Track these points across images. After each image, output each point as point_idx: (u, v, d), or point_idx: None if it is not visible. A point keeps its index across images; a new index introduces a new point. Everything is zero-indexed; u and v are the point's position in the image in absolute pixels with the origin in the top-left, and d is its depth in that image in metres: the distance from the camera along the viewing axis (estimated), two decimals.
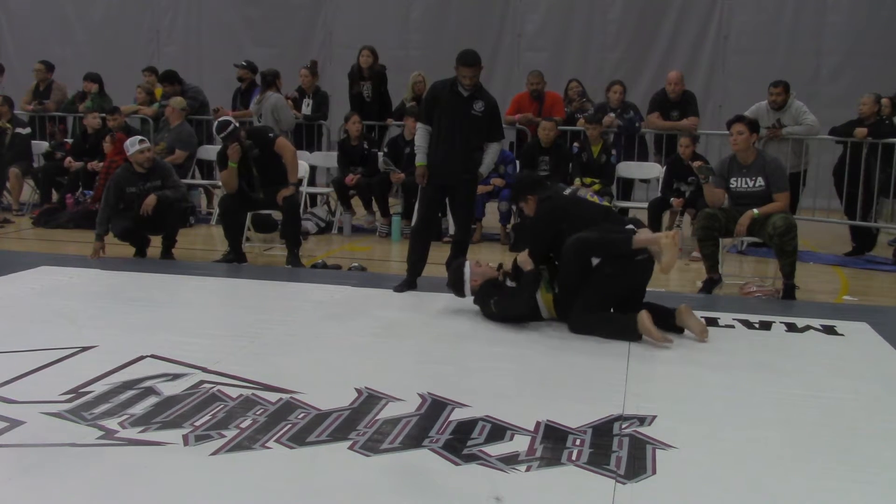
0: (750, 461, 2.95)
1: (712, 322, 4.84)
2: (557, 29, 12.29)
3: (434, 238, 6.29)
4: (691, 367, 4.11)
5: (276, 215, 7.11)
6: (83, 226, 8.13)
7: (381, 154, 8.65)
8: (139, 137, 6.84)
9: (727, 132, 6.14)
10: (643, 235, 4.57)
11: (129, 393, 3.48)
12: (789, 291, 5.77)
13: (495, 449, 2.97)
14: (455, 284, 5.01)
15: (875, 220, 7.97)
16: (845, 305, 5.86)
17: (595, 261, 4.55)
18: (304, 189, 8.25)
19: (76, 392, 3.47)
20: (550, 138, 8.12)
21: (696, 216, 6.72)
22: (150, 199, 6.53)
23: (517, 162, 8.32)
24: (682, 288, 6.26)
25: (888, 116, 8.07)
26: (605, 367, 4.02)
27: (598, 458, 2.92)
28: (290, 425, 3.15)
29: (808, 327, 4.92)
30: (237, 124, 6.72)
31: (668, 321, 4.56)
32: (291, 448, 2.96)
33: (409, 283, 5.73)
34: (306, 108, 9.39)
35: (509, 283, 4.86)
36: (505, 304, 4.75)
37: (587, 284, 4.56)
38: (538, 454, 2.94)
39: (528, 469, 2.83)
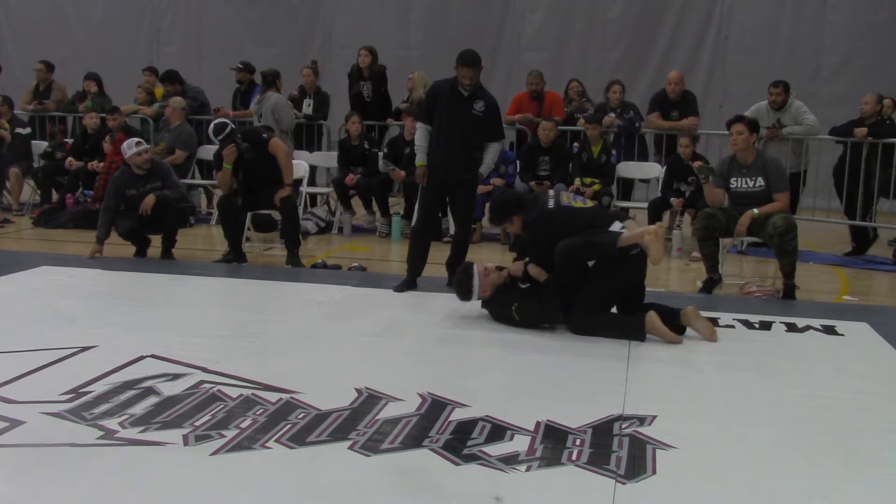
0: (750, 461, 2.95)
1: (712, 322, 4.82)
2: (557, 29, 12.29)
3: (434, 238, 6.29)
4: (691, 367, 4.11)
5: (276, 215, 7.11)
6: (83, 226, 8.13)
7: (381, 155, 8.65)
8: (136, 140, 6.83)
9: (727, 132, 6.14)
10: (628, 233, 4.56)
11: (129, 393, 3.48)
12: (789, 291, 5.77)
13: (495, 449, 2.97)
14: (461, 287, 4.86)
15: (874, 219, 7.96)
16: (845, 305, 5.86)
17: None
18: (305, 189, 8.25)
19: (76, 392, 3.47)
20: (550, 138, 8.13)
21: (696, 216, 6.71)
22: (149, 199, 6.53)
23: (517, 162, 8.32)
24: (683, 288, 6.27)
25: (889, 116, 8.06)
26: (605, 368, 4.02)
27: (598, 458, 2.92)
28: (290, 425, 3.15)
29: (808, 327, 4.92)
30: (233, 126, 6.72)
31: (672, 321, 4.55)
32: (291, 448, 2.96)
33: (409, 283, 5.73)
34: (307, 107, 9.39)
35: (521, 284, 4.76)
36: (531, 311, 4.66)
37: (586, 286, 4.56)
38: (538, 454, 2.94)
39: (528, 469, 2.83)
